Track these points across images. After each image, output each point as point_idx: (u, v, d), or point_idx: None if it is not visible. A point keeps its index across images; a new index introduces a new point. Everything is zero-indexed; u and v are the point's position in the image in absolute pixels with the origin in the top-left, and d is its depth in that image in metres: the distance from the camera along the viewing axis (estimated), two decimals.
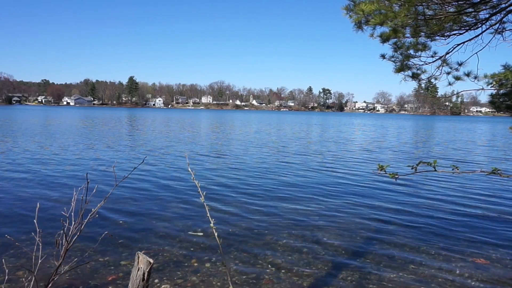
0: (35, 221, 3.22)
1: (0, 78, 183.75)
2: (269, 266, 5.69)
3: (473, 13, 5.02)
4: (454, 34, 5.23)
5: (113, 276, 5.20)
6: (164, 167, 14.26)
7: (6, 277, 4.54)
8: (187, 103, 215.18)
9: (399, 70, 5.82)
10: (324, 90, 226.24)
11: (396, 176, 4.36)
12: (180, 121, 58.98)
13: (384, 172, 4.36)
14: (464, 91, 5.59)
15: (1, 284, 4.65)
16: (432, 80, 5.78)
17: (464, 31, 5.17)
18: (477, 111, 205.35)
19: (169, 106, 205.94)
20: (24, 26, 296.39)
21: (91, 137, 26.22)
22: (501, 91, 5.18)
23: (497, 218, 8.42)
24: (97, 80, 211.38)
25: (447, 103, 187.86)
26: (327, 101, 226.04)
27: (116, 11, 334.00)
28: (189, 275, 5.32)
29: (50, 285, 3.14)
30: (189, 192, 10.17)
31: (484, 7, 4.86)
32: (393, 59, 5.74)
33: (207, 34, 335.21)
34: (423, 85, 6.08)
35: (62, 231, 3.07)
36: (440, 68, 5.64)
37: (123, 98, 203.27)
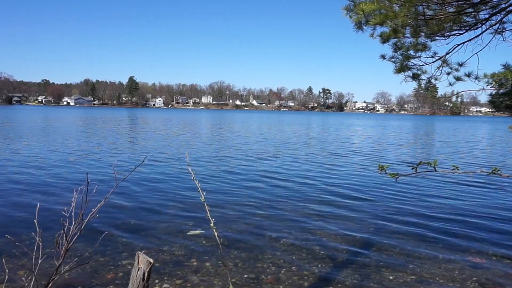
0: (35, 221, 3.22)
1: (0, 78, 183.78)
2: (269, 266, 5.69)
3: (473, 13, 5.02)
4: (454, 34, 5.23)
5: (113, 276, 5.21)
6: (164, 167, 14.26)
7: (7, 277, 4.55)
8: (187, 103, 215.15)
9: (399, 70, 5.82)
10: (324, 90, 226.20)
11: (397, 176, 4.36)
12: (180, 121, 59.00)
13: (385, 172, 4.37)
14: (464, 91, 5.60)
15: (2, 284, 4.66)
16: (433, 81, 5.78)
17: (464, 31, 5.17)
18: (477, 111, 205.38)
19: (169, 106, 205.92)
20: (24, 26, 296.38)
21: (91, 137, 26.23)
22: (501, 91, 5.18)
23: (497, 218, 8.42)
24: (97, 80, 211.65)
25: (447, 103, 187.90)
26: (327, 101, 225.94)
27: (116, 11, 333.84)
28: (189, 275, 5.33)
29: (50, 285, 3.14)
30: (189, 192, 10.17)
31: (484, 7, 4.86)
32: (393, 59, 5.74)
33: (207, 34, 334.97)
34: (423, 85, 6.08)
35: (62, 231, 3.07)
36: (440, 69, 5.64)
37: (123, 98, 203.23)
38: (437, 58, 5.56)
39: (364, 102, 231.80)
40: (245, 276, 5.34)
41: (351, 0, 5.11)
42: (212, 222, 2.98)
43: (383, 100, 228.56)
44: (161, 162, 15.52)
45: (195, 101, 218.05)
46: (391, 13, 4.64)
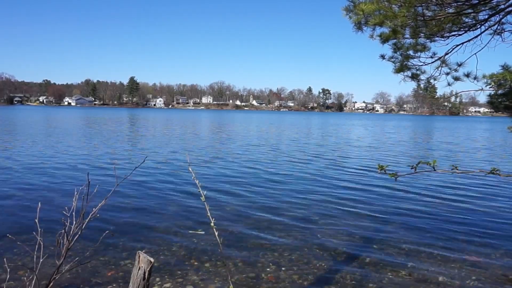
0: (36, 220, 3.25)
1: (1, 79, 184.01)
2: (269, 265, 5.71)
3: (472, 14, 5.05)
4: (453, 35, 5.25)
5: (114, 275, 5.23)
6: (164, 166, 14.28)
7: (8, 276, 4.57)
8: (187, 103, 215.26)
9: (398, 70, 5.85)
10: (323, 90, 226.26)
11: (396, 176, 4.38)
12: (180, 121, 59.02)
13: (384, 172, 4.38)
14: (463, 91, 5.61)
15: (3, 283, 4.68)
16: (432, 81, 5.80)
17: (463, 32, 5.19)
18: (475, 111, 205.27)
19: (170, 106, 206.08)
20: (26, 26, 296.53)
21: (92, 137, 26.25)
22: (500, 91, 5.20)
23: (495, 217, 8.43)
24: (98, 81, 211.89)
25: (446, 103, 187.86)
26: (327, 101, 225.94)
27: (117, 11, 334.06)
28: (189, 274, 5.35)
29: (51, 284, 3.16)
30: (189, 191, 10.19)
31: (483, 8, 4.88)
32: (392, 59, 5.77)
33: (207, 34, 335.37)
34: (422, 86, 6.10)
35: (63, 231, 3.09)
36: (440, 69, 5.67)
37: (124, 99, 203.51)
38: (436, 58, 5.59)
39: (364, 102, 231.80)
40: (245, 275, 5.36)
41: (351, 0, 5.13)
42: (212, 221, 3.00)
43: (382, 100, 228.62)
44: (161, 162, 15.53)
45: (195, 101, 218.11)
46: (390, 14, 4.67)
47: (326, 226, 7.62)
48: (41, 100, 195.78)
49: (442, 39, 5.28)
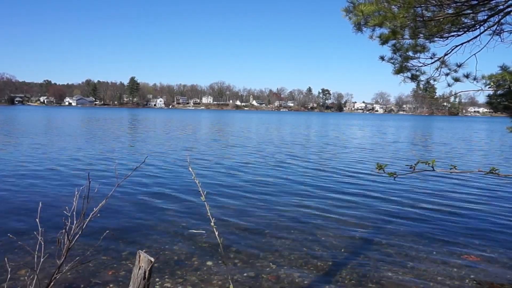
0: (37, 220, 3.26)
1: (2, 79, 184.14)
2: (269, 264, 5.73)
3: (471, 14, 5.07)
4: (453, 36, 5.27)
5: (115, 275, 5.24)
6: (165, 166, 14.30)
7: (9, 275, 4.58)
8: (187, 103, 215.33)
9: (398, 71, 5.87)
10: (323, 90, 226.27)
11: (395, 175, 4.40)
12: (180, 121, 59.02)
13: (383, 172, 4.40)
14: (462, 91, 5.63)
15: (4, 283, 4.70)
16: (431, 81, 5.82)
17: (462, 32, 5.21)
18: (475, 111, 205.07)
19: (170, 107, 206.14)
20: (26, 26, 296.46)
21: (92, 137, 26.27)
22: (499, 92, 5.22)
23: (495, 217, 8.45)
24: (98, 81, 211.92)
25: (445, 104, 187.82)
26: (327, 101, 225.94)
27: (116, 11, 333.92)
28: (190, 273, 5.36)
29: (52, 283, 3.18)
30: (190, 191, 10.20)
31: (482, 9, 4.90)
32: (392, 60, 5.78)
33: (207, 34, 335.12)
34: (422, 86, 6.12)
35: (64, 230, 3.11)
36: (439, 69, 5.68)
37: (124, 99, 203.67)
38: (435, 59, 5.61)
39: (363, 102, 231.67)
40: (245, 274, 5.38)
41: (350, 1, 5.15)
42: (212, 221, 3.02)
43: (382, 100, 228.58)
44: (162, 162, 15.55)
45: (195, 101, 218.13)
46: (390, 15, 4.68)
47: (326, 226, 7.63)
48: (42, 100, 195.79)
49: (442, 39, 5.30)
